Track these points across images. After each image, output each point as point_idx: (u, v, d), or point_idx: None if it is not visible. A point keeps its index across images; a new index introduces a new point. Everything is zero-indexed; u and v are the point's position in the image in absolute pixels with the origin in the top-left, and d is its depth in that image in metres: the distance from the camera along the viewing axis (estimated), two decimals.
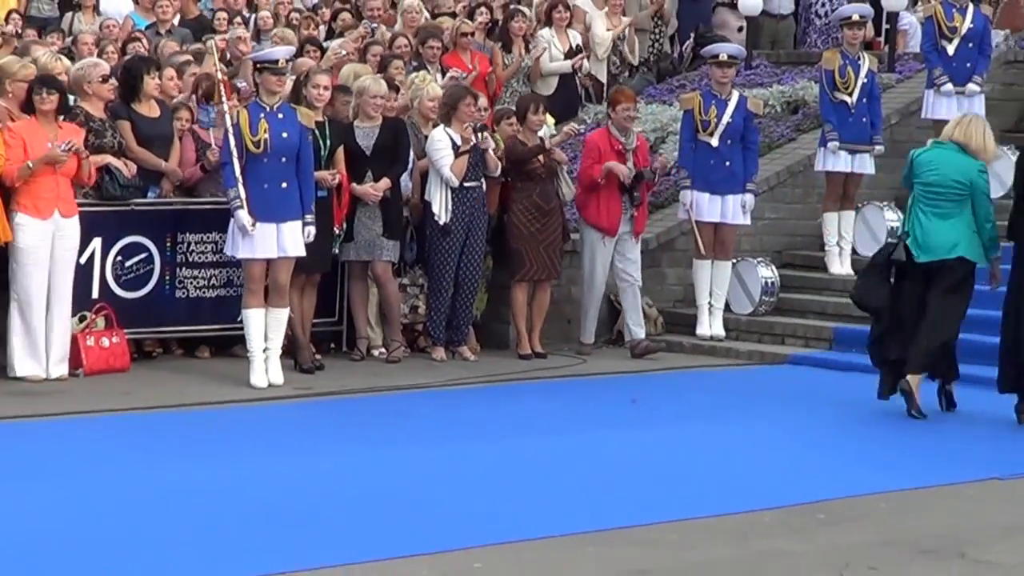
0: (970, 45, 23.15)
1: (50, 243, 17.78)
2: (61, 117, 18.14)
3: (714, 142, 21.78)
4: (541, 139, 20.51)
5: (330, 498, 13.88)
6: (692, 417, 18.15)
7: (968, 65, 23.08)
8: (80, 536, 12.32)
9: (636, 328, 21.32)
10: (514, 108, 22.08)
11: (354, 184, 19.66)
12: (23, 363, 17.89)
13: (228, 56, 22.46)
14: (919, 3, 28.78)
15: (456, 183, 19.88)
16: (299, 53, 22.88)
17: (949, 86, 22.60)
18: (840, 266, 23.22)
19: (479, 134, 20.06)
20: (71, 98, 18.96)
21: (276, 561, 11.68)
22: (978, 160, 17.26)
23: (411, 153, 20.53)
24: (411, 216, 20.91)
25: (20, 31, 26.70)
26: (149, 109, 19.46)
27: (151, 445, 15.82)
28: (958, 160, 17.13)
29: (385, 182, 19.64)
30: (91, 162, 18.19)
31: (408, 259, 20.92)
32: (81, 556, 11.69)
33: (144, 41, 24.38)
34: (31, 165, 17.49)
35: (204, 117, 20.03)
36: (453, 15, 26.63)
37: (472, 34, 25.39)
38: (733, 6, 28.56)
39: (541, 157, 20.88)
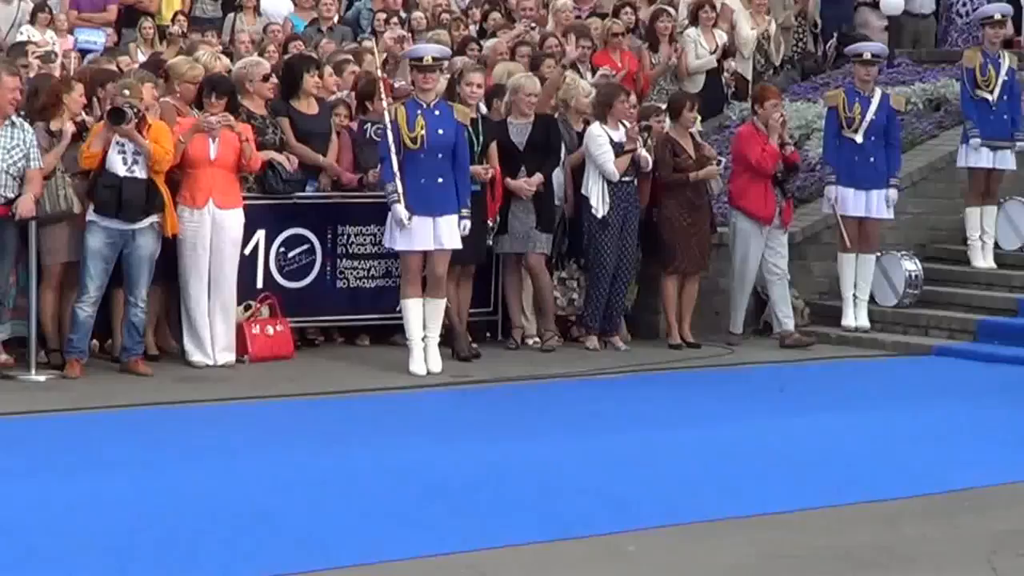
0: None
1: (208, 234, 17.80)
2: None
3: (858, 138, 21.52)
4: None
5: (488, 482, 13.72)
6: (839, 406, 17.90)
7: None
8: (248, 514, 12.34)
9: (785, 319, 21.13)
10: (661, 105, 21.83)
11: (508, 179, 19.50)
12: (190, 350, 17.99)
13: (387, 55, 22.27)
14: None
15: (617, 178, 19.64)
16: (459, 52, 22.84)
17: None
18: (983, 260, 22.81)
19: (641, 133, 20.08)
20: None
21: (442, 542, 11.51)
22: None
23: (563, 148, 20.38)
24: (565, 210, 20.75)
25: (185, 31, 26.83)
26: (308, 106, 19.56)
27: (314, 429, 15.92)
28: None
29: (538, 177, 19.54)
30: (256, 156, 18.30)
31: (564, 252, 20.59)
32: (249, 533, 11.70)
33: (302, 42, 24.62)
34: (183, 139, 17.53)
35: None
36: (602, 16, 26.18)
37: (623, 34, 25.08)
38: (875, 6, 28.46)
39: (694, 153, 20.49)
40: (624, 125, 19.71)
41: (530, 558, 11.42)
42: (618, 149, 19.55)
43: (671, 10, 26.74)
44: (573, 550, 11.63)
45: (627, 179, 19.85)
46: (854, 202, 21.27)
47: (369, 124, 19.56)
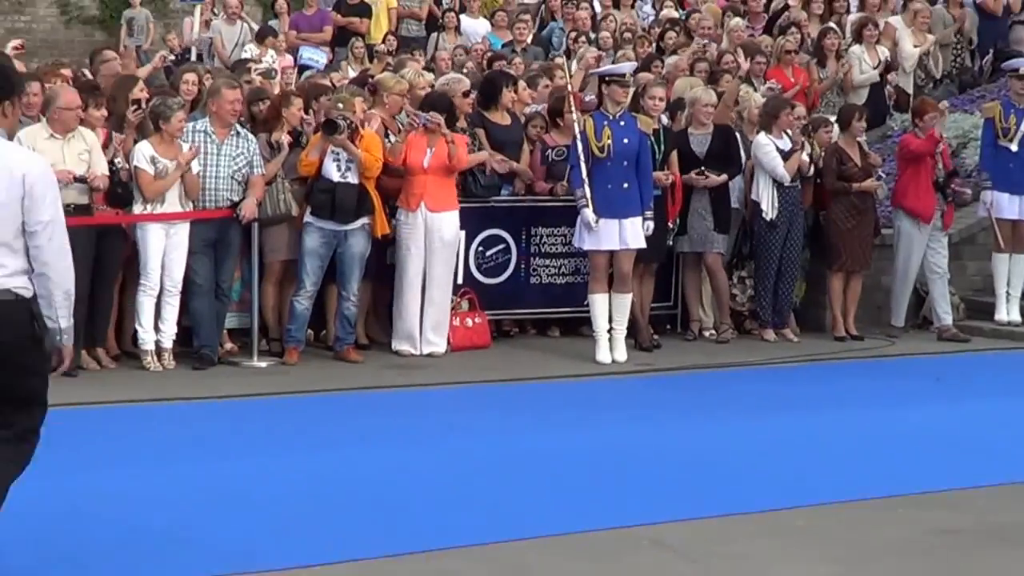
0: None
1: (422, 235, 18.21)
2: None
3: (1013, 147, 21.72)
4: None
5: (666, 459, 13.91)
6: (994, 393, 18.04)
7: None
8: (457, 492, 12.71)
9: (944, 315, 21.25)
10: (830, 117, 22.07)
11: (691, 174, 19.67)
12: (398, 341, 18.51)
13: (573, 73, 22.37)
14: None
15: (788, 180, 19.93)
16: (643, 68, 23.01)
17: None
18: None
19: (803, 141, 20.49)
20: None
21: (624, 514, 11.82)
22: None
23: (743, 157, 20.80)
24: (745, 214, 21.06)
25: (393, 50, 27.14)
26: (501, 118, 20.05)
27: (510, 413, 16.28)
28: None
29: (723, 177, 19.75)
30: (468, 159, 18.59)
31: (744, 252, 20.99)
32: (458, 513, 11.97)
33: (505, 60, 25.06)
34: (392, 141, 18.32)
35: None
36: (773, 34, 26.30)
37: (795, 51, 25.22)
38: None
39: (860, 161, 20.64)
40: (787, 134, 19.96)
41: (711, 531, 11.66)
42: (784, 156, 19.82)
43: (837, 28, 26.61)
44: (744, 525, 11.88)
45: (793, 184, 20.11)
46: (1009, 206, 21.47)
47: (551, 151, 19.90)
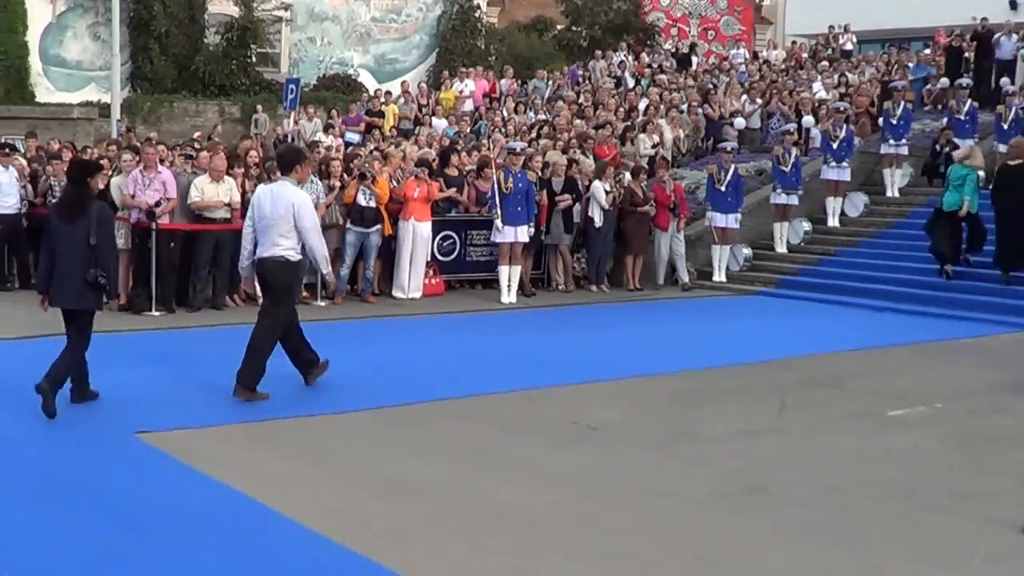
0: None
1: (411, 234, 19.97)
2: None
3: (723, 188, 23.11)
4: None
5: (530, 355, 15.24)
6: (711, 320, 19.29)
7: None
8: (424, 369, 14.04)
9: (684, 277, 22.77)
10: (625, 172, 23.39)
11: (555, 199, 21.54)
12: (396, 290, 20.15)
13: (499, 148, 23.92)
14: None
15: (607, 206, 21.77)
16: (530, 144, 24.14)
17: None
18: (782, 247, 24.58)
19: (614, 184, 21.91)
20: None
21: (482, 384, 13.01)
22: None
23: (580, 192, 22.04)
24: (581, 223, 22.22)
25: (395, 135, 29.19)
26: (452, 172, 21.91)
27: (455, 329, 17.67)
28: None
29: (569, 201, 21.69)
30: (437, 195, 20.37)
31: (580, 243, 22.47)
32: (423, 379, 13.25)
33: (454, 143, 26.79)
34: (396, 183, 19.76)
35: None
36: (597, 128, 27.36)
37: (609, 136, 26.20)
38: (731, 126, 28.40)
39: (641, 195, 22.21)
40: (609, 182, 21.85)
41: (549, 395, 12.72)
42: (606, 193, 21.60)
43: (632, 124, 27.96)
44: (575, 390, 13.00)
45: (610, 208, 21.83)
46: (720, 219, 23.05)
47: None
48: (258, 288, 13.44)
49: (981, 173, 21.25)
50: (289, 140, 28.65)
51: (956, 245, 21.03)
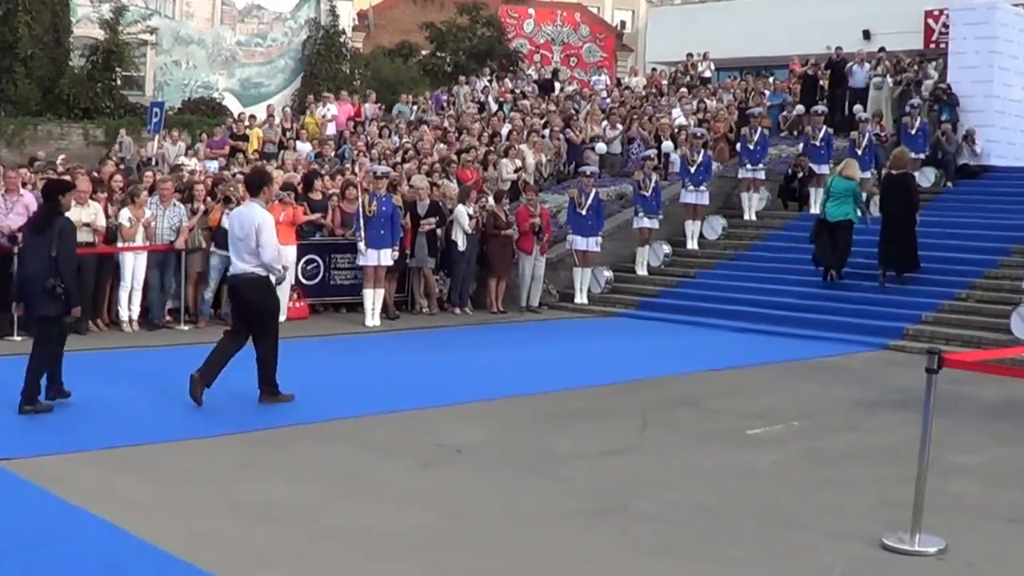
0: None
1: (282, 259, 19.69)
2: None
3: (584, 212, 23.35)
4: None
5: (391, 376, 15.17)
6: (570, 340, 19.50)
7: None
8: (295, 383, 13.60)
9: (535, 299, 22.98)
10: (489, 196, 23.64)
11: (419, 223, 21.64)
12: None
13: (363, 171, 24.39)
14: None
15: (471, 230, 22.23)
16: (393, 167, 23.35)
17: None
18: (643, 270, 24.92)
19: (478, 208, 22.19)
20: None
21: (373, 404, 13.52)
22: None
23: (445, 216, 22.32)
24: (443, 247, 22.47)
25: (258, 159, 28.63)
26: (316, 196, 21.70)
27: (318, 351, 17.15)
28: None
29: (431, 221, 21.92)
30: (302, 219, 20.24)
31: (443, 267, 22.63)
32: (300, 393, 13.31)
33: (317, 167, 26.83)
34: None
35: None
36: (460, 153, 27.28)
37: (472, 161, 26.20)
38: (593, 150, 28.99)
39: (505, 219, 22.61)
40: (472, 205, 22.00)
41: (422, 416, 12.87)
42: (470, 217, 21.87)
43: (493, 150, 28.17)
44: (445, 411, 13.11)
45: (473, 232, 22.13)
46: (580, 242, 23.35)
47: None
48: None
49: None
50: (153, 163, 28.27)
51: (835, 252, 22.00)
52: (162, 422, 11.94)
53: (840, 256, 21.99)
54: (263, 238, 12.94)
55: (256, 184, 13.51)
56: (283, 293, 19.15)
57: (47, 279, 12.15)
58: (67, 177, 17.85)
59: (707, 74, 40.31)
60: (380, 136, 30.90)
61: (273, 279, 13.36)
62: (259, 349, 13.18)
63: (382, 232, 20.44)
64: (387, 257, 20.54)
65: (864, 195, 22.79)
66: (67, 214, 13.33)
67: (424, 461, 10.58)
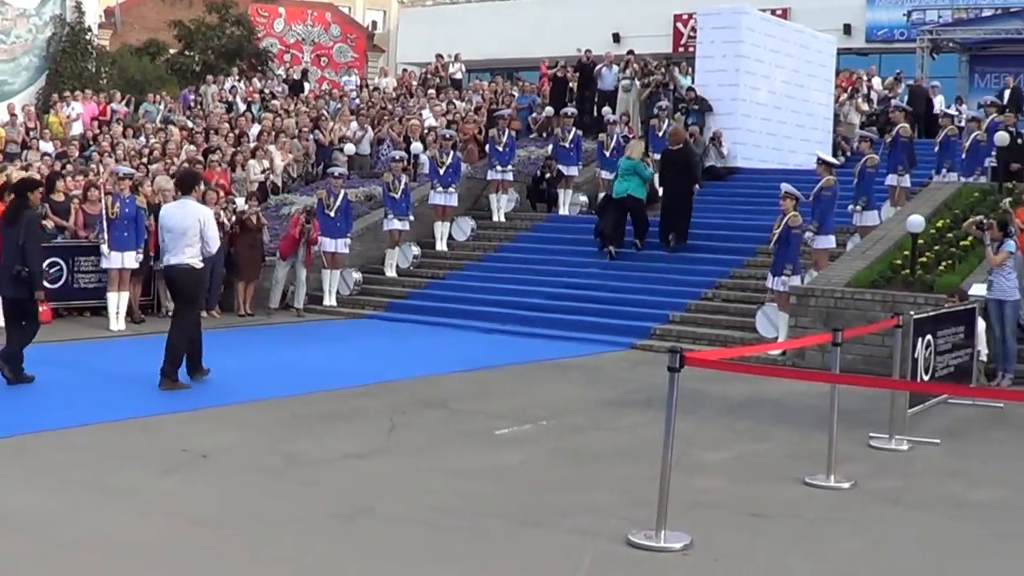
0: None
1: None
2: None
3: (331, 213, 23.17)
4: None
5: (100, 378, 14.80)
6: (326, 341, 19.39)
7: None
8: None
9: (301, 300, 22.83)
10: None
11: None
12: None
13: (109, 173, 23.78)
14: None
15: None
16: (139, 169, 23.08)
17: None
18: (391, 272, 24.94)
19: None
20: None
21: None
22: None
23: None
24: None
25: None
26: (59, 196, 21.37)
27: (55, 355, 16.95)
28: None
29: None
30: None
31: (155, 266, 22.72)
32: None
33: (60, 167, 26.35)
34: None
35: None
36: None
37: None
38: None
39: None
40: (216, 206, 21.59)
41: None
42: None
43: None
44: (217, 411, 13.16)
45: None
46: (331, 243, 23.17)
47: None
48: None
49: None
50: None
51: (620, 229, 23.56)
52: None
53: (639, 229, 23.84)
54: (209, 232, 14.54)
55: (189, 183, 15.08)
56: None
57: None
58: None
59: (458, 75, 40.50)
60: (125, 136, 30.37)
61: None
62: (172, 333, 14.59)
63: (126, 234, 20.10)
64: (131, 260, 20.16)
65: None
66: None
67: (169, 467, 10.36)
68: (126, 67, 45.11)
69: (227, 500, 9.42)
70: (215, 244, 14.86)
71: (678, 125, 25.17)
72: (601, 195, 25.20)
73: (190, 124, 31.63)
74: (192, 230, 14.38)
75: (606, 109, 31.93)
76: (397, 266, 24.99)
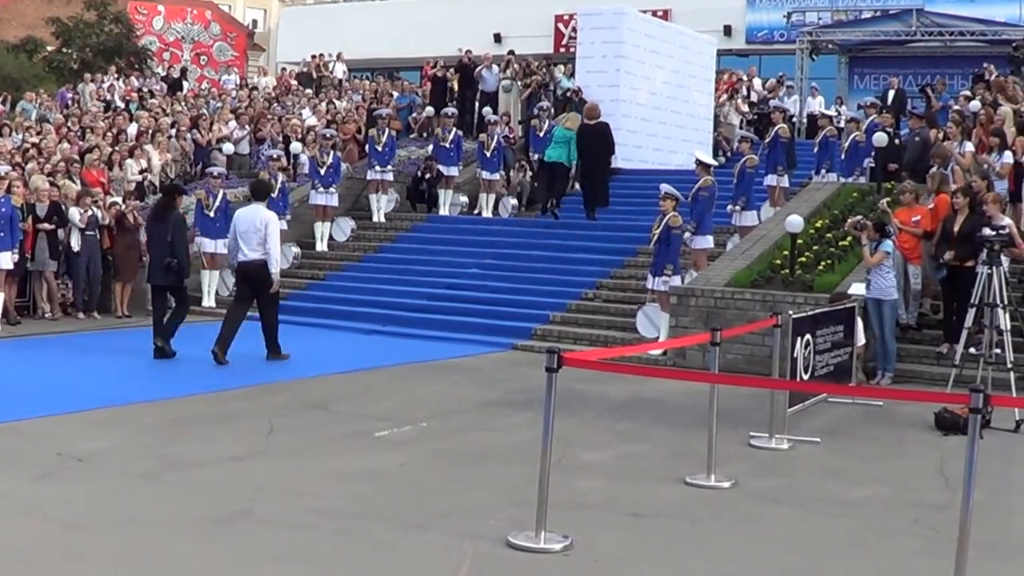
0: None
1: None
2: None
3: (211, 213, 23.02)
4: None
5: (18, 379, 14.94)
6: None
7: None
8: None
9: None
10: None
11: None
12: None
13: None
14: None
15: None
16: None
17: None
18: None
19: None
20: None
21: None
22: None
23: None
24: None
25: None
26: None
27: None
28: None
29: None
30: None
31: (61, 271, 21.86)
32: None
33: None
34: None
35: None
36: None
37: None
38: None
39: None
40: (86, 205, 21.82)
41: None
42: (79, 216, 21.71)
43: None
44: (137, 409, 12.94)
45: (92, 234, 21.56)
46: (208, 244, 22.96)
47: None
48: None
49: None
50: None
51: (553, 189, 25.48)
52: None
53: (557, 192, 25.46)
54: (271, 230, 17.11)
55: (263, 191, 18.17)
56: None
57: None
58: None
59: (339, 75, 40.40)
60: (1, 135, 29.74)
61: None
62: (265, 316, 17.41)
63: (1, 235, 19.93)
64: (6, 260, 20.01)
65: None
66: None
67: (44, 471, 10.18)
68: (2, 64, 44.62)
69: (102, 504, 9.26)
70: (274, 245, 17.15)
71: (593, 102, 26.70)
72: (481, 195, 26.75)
73: (67, 123, 30.85)
74: (260, 232, 16.95)
75: (487, 110, 32.08)
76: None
